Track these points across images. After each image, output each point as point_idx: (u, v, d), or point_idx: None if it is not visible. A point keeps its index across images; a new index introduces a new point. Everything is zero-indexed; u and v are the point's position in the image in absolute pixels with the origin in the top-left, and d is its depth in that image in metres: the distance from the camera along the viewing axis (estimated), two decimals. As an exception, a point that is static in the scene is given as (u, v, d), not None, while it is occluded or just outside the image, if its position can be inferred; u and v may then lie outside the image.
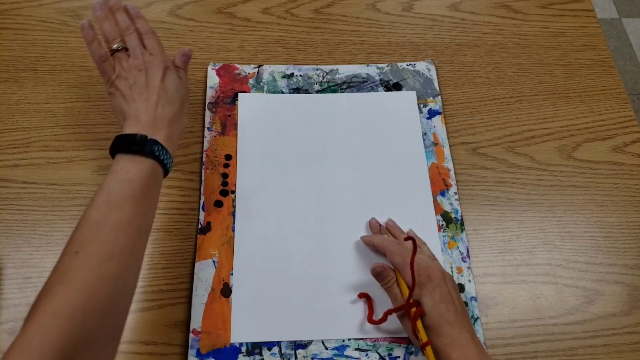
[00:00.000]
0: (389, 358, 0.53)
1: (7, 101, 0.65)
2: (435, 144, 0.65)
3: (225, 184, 0.61)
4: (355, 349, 0.53)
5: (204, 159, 0.62)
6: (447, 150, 0.64)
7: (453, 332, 0.47)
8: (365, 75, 0.69)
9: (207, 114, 0.65)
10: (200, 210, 0.59)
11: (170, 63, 0.55)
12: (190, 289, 0.55)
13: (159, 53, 0.55)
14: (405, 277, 0.50)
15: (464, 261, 0.58)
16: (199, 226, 0.58)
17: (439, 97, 0.68)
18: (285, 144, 0.64)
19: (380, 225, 0.59)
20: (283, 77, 0.68)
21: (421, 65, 0.70)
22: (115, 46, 0.55)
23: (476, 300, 0.56)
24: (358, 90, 0.68)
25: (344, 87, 0.68)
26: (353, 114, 0.66)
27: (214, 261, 0.56)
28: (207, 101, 0.66)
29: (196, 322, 0.53)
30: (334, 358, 0.53)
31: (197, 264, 0.56)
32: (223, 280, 0.55)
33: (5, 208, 0.58)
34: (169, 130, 0.51)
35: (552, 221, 0.61)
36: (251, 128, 0.64)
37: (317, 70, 0.69)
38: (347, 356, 0.53)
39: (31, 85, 0.66)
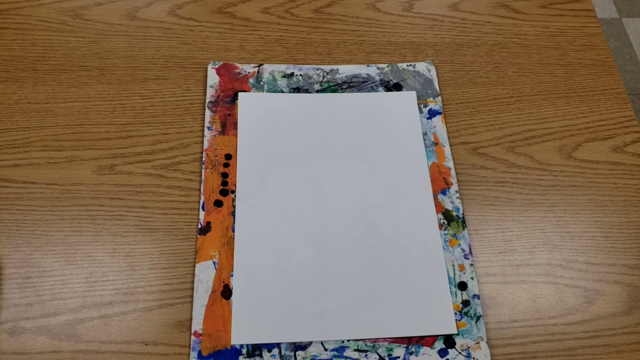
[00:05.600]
0: (389, 358, 0.53)
1: (7, 101, 0.65)
2: (436, 143, 0.65)
3: (225, 183, 0.61)
4: (355, 350, 0.53)
5: (203, 159, 0.62)
6: (447, 150, 0.64)
7: None
8: (365, 76, 0.69)
9: (207, 113, 0.65)
10: (200, 210, 0.59)
11: None
12: (191, 289, 0.55)
13: None
14: None
15: (466, 258, 0.58)
16: (199, 226, 0.58)
17: (439, 98, 0.68)
18: (285, 144, 0.64)
19: None
20: (283, 76, 0.68)
21: (421, 66, 0.70)
22: None
23: (479, 298, 0.56)
24: (358, 90, 0.68)
25: (344, 87, 0.68)
26: (353, 114, 0.66)
27: (214, 262, 0.56)
28: (207, 100, 0.66)
29: (197, 324, 0.53)
30: (333, 359, 0.53)
31: (197, 266, 0.56)
32: (223, 282, 0.55)
33: (5, 208, 0.58)
34: None
35: (552, 221, 0.61)
36: (251, 127, 0.64)
37: (317, 70, 0.69)
38: (346, 357, 0.53)
39: (31, 85, 0.66)
